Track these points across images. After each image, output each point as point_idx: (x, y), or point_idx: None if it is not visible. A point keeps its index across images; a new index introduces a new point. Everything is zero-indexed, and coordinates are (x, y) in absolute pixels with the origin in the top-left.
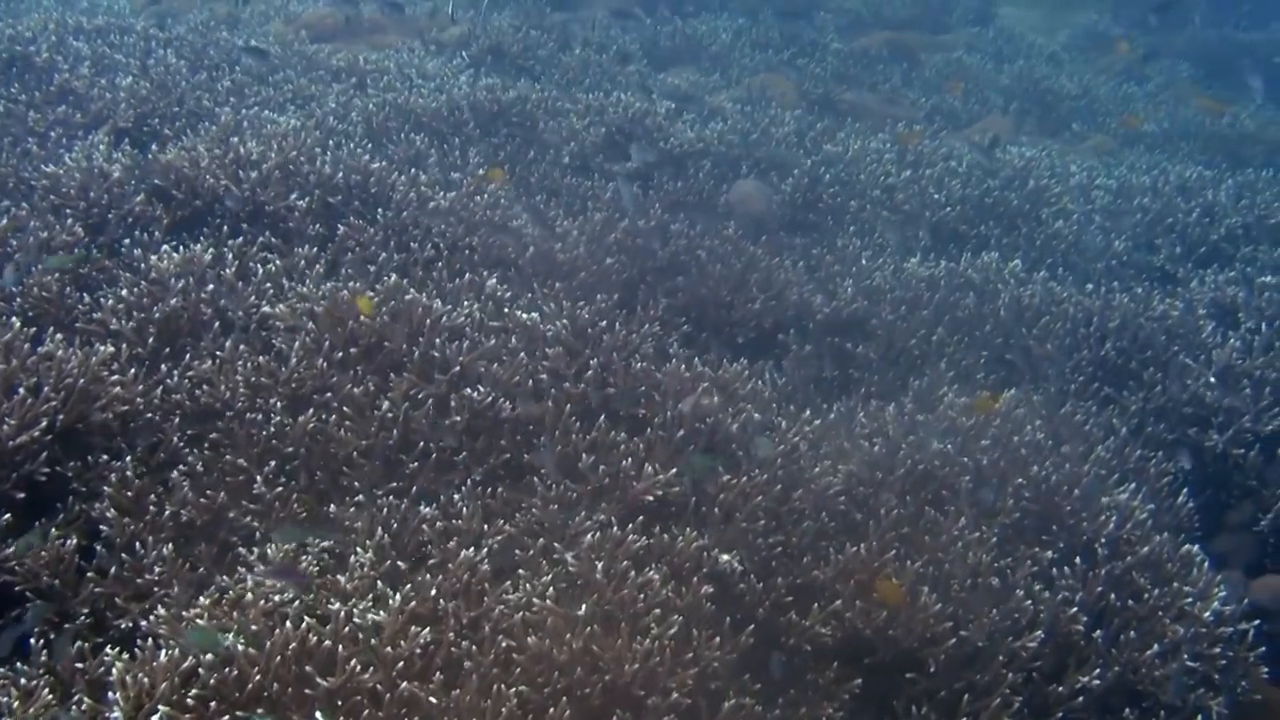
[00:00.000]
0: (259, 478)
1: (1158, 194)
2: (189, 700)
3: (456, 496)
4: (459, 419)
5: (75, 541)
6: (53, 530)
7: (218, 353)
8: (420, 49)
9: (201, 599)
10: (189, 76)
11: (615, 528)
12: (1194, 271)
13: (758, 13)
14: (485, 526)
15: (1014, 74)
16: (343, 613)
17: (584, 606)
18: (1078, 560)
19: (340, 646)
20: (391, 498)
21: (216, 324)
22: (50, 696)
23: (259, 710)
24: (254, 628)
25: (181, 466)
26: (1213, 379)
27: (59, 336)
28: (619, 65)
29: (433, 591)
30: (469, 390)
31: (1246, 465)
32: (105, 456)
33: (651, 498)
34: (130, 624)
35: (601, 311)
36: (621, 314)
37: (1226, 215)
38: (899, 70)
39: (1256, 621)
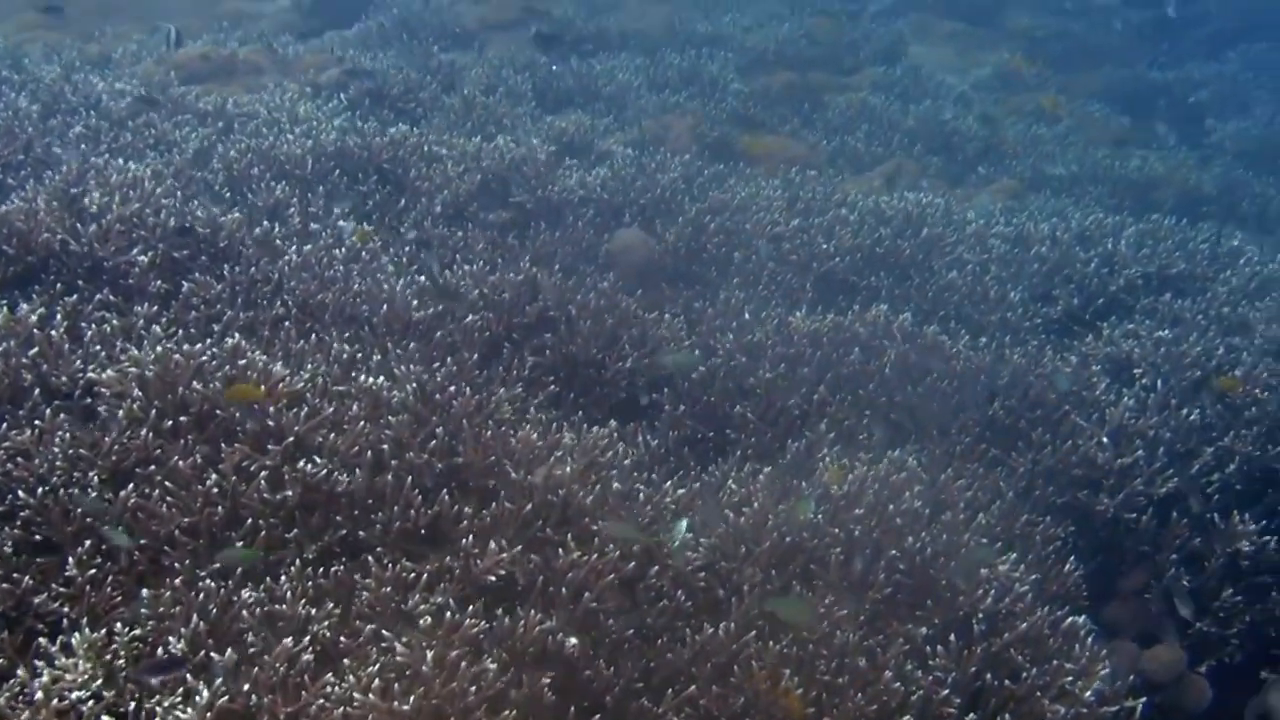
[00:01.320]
0: (71, 559)
1: (1056, 243)
2: None
3: (284, 578)
4: (292, 493)
5: None
6: None
7: (36, 421)
8: (296, 91)
9: None
10: (39, 122)
11: (453, 611)
12: (1092, 324)
13: (656, 51)
14: (313, 611)
15: (920, 115)
16: (144, 711)
17: (410, 700)
18: (953, 638)
19: None
20: (211, 580)
21: (37, 391)
22: None
23: None
24: None
25: None
26: (1105, 439)
27: None
28: (507, 107)
29: (246, 685)
30: (304, 462)
31: (1139, 529)
32: None
33: (494, 577)
34: None
35: (454, 374)
36: (482, 375)
37: (1127, 265)
38: (801, 111)
39: (1144, 698)
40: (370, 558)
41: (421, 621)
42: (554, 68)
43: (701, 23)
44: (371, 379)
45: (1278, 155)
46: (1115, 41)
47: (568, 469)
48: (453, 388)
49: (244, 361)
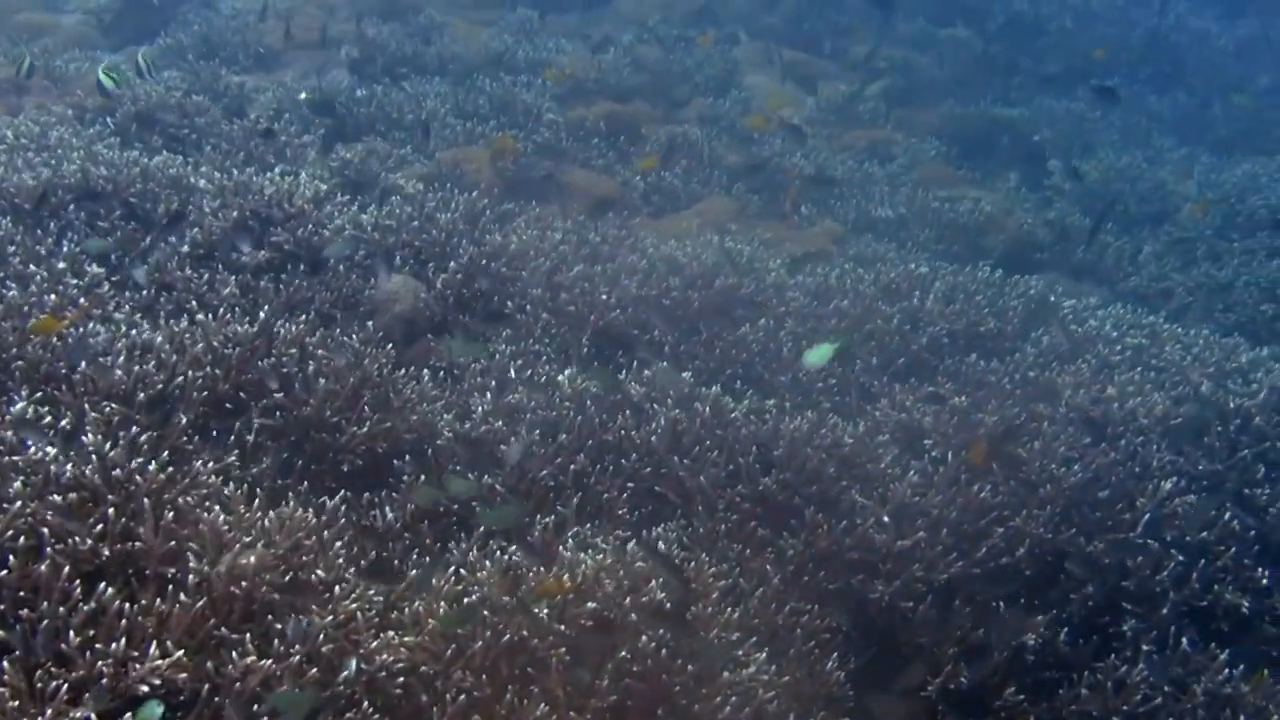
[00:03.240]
0: None
1: (859, 296)
2: None
3: None
4: None
5: None
6: None
7: None
8: (59, 115)
9: None
10: None
11: None
12: (888, 386)
13: (469, 77)
14: None
15: (744, 150)
16: None
17: None
18: None
19: None
20: None
21: None
22: None
23: None
24: None
25: None
26: (886, 518)
27: None
28: (292, 135)
29: None
30: None
31: (915, 620)
32: None
33: (150, 686)
34: None
35: (148, 441)
36: (193, 442)
37: (932, 322)
38: (617, 144)
39: None
40: (6, 663)
41: None
42: (358, 93)
43: (525, 47)
44: (40, 449)
45: (1118, 199)
46: (962, 75)
47: (252, 559)
48: (138, 460)
49: None
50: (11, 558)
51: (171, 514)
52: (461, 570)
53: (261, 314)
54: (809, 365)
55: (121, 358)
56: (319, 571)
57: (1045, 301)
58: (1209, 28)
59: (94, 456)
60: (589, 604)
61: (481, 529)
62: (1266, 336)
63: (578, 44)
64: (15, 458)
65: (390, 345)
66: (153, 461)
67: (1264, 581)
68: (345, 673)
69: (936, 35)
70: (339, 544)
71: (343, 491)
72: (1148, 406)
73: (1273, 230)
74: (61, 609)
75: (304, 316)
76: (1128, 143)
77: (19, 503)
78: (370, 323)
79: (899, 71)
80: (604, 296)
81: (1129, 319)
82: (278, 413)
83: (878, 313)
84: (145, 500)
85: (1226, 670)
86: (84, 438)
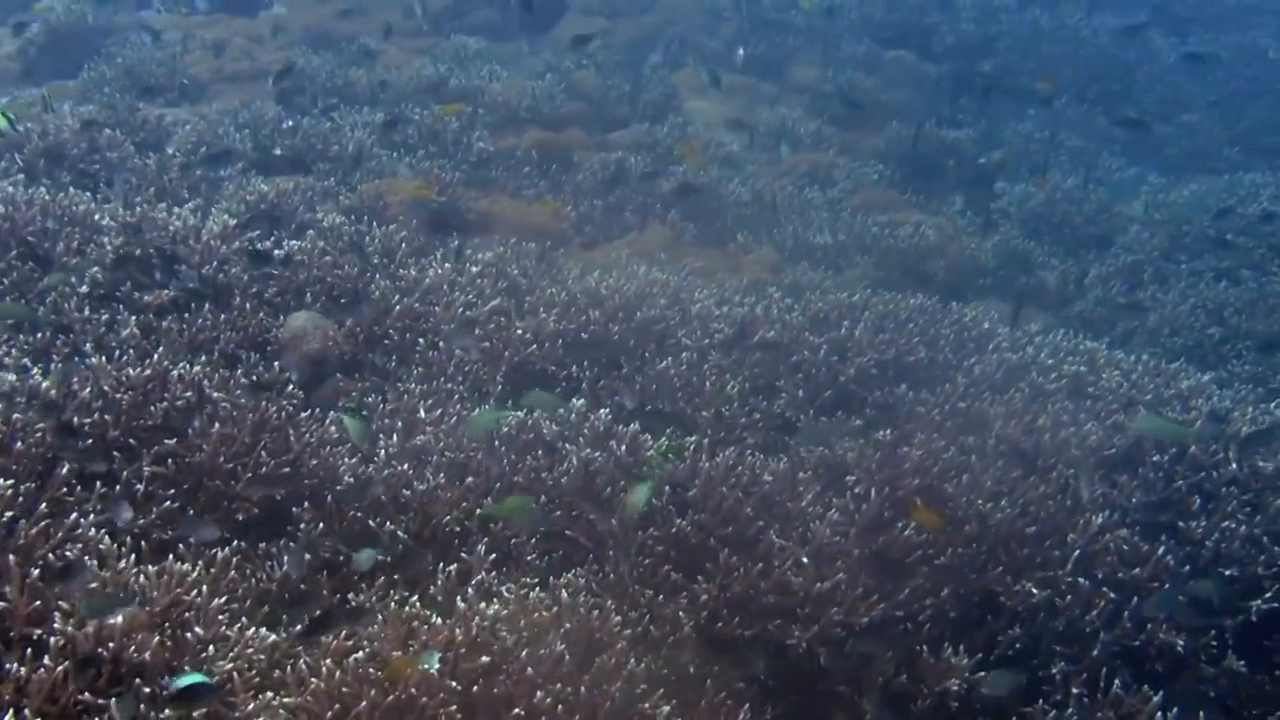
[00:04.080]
0: None
1: (786, 327)
2: None
3: None
4: None
5: None
6: None
7: None
8: None
9: None
10: None
11: None
12: (814, 420)
13: (399, 106)
14: None
15: (679, 177)
16: None
17: None
18: None
19: None
20: None
21: None
22: None
23: None
24: None
25: None
26: (805, 559)
27: None
28: (212, 170)
29: None
30: None
31: (835, 667)
32: None
33: None
34: None
35: (10, 498)
36: (73, 493)
37: (861, 352)
38: (549, 173)
39: None
40: None
41: None
42: (285, 124)
43: (458, 76)
44: None
45: (1064, 224)
46: (908, 97)
47: (120, 618)
48: (11, 513)
49: None
50: None
51: (39, 571)
52: (354, 624)
53: (155, 355)
54: (632, 509)
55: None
56: (198, 629)
57: (980, 329)
58: (1159, 46)
59: None
60: (484, 658)
61: (381, 579)
62: (1213, 360)
63: (514, 70)
64: None
65: (297, 386)
66: (24, 517)
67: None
68: None
69: (882, 57)
70: (221, 600)
71: (235, 541)
72: (1081, 436)
73: (1219, 250)
74: None
75: (205, 357)
76: (1076, 163)
77: None
78: (277, 363)
79: (844, 94)
80: (519, 332)
81: (1066, 346)
82: (170, 460)
83: (805, 343)
84: (11, 557)
85: (1160, 713)
86: None
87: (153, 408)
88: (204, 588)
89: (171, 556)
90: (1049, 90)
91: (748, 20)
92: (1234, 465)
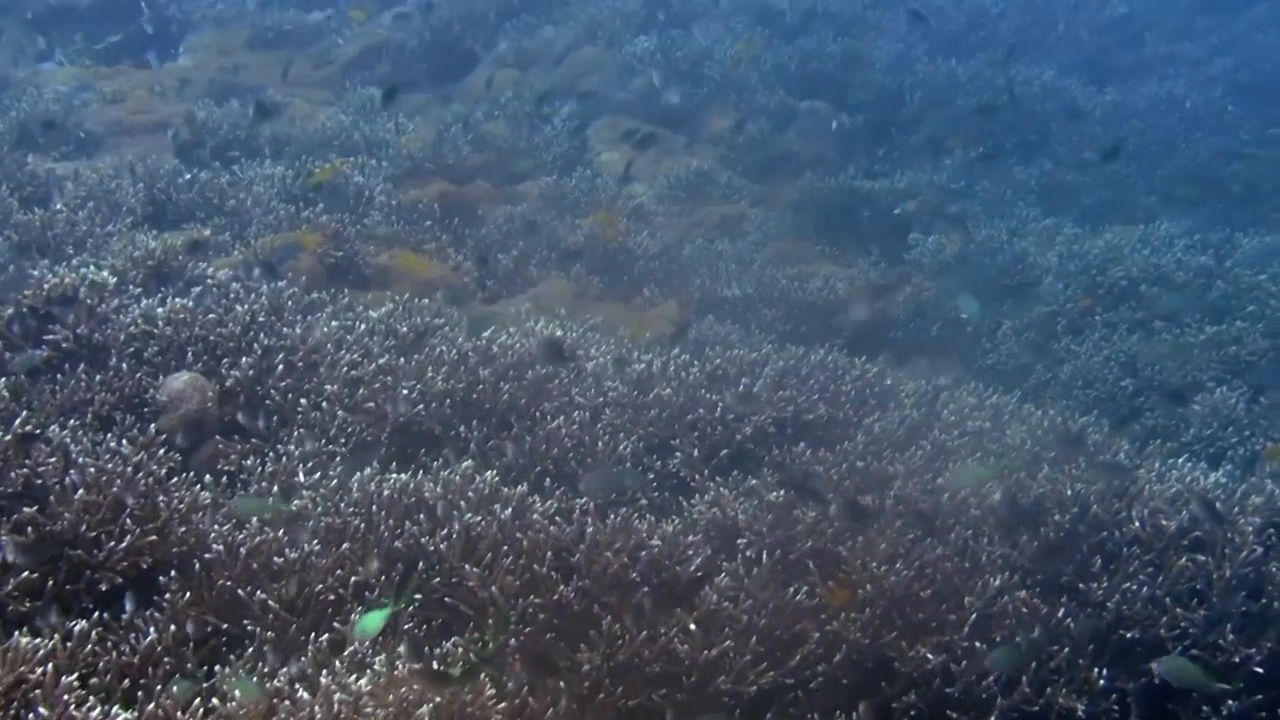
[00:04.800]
0: None
1: (683, 384)
2: None
3: None
4: None
5: None
6: None
7: None
8: None
9: None
10: None
11: None
12: (709, 480)
13: (301, 159)
14: None
15: (586, 230)
16: None
17: None
18: None
19: None
20: None
21: None
22: None
23: None
24: None
25: None
26: (692, 626)
27: None
28: (93, 224)
29: None
30: None
31: None
32: None
33: None
34: None
35: None
36: None
37: (759, 410)
38: (451, 226)
39: None
40: None
41: None
42: (183, 177)
43: (363, 128)
44: None
45: (977, 274)
46: (823, 148)
47: None
48: None
49: None
50: None
51: None
52: (212, 699)
53: (16, 420)
54: (361, 635)
55: None
56: (42, 710)
57: (883, 384)
58: (1075, 96)
59: None
60: None
61: (251, 649)
62: (1127, 413)
63: (423, 121)
64: None
65: (172, 449)
66: None
67: (1100, 682)
68: None
69: (796, 108)
70: (70, 678)
71: (97, 614)
72: (981, 495)
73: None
74: None
75: (76, 420)
76: (992, 214)
77: None
78: (154, 425)
79: (759, 144)
80: (405, 391)
81: (971, 401)
82: (29, 528)
83: (702, 401)
84: None
85: None
86: None
87: (13, 474)
88: (50, 665)
89: (18, 633)
90: (958, 144)
91: (661, 71)
92: (1136, 524)
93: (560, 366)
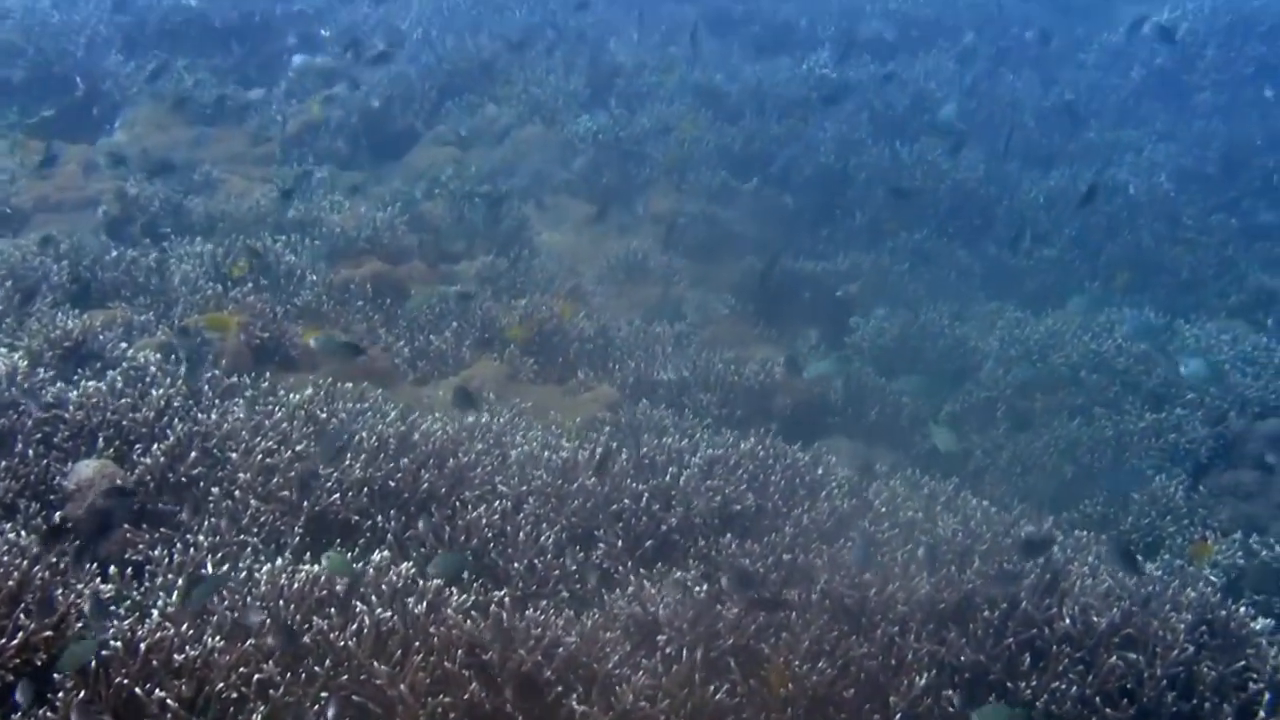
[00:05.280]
0: None
1: (606, 473)
2: None
3: None
4: None
5: None
6: None
7: None
8: None
9: None
10: None
11: None
12: (632, 572)
13: (232, 237)
14: None
15: (523, 312)
16: None
17: None
18: None
19: None
20: None
21: None
22: None
23: None
24: None
25: None
26: None
27: None
28: (17, 306)
29: None
30: None
31: None
32: None
33: None
34: None
35: None
36: None
37: (686, 501)
38: (383, 307)
39: None
40: None
41: None
42: (110, 254)
43: (298, 205)
44: None
45: (916, 357)
46: (766, 229)
47: None
48: None
49: None
50: None
51: None
52: None
53: None
54: None
55: None
56: None
57: (814, 474)
58: (1019, 179)
59: None
60: None
61: None
62: (1065, 500)
63: (360, 199)
64: None
65: (79, 538)
66: None
67: None
68: None
69: (739, 189)
70: None
71: None
72: (909, 591)
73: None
74: None
75: None
76: (935, 296)
77: None
78: (59, 514)
79: (702, 224)
80: (322, 479)
81: (903, 490)
82: None
83: (627, 491)
84: None
85: None
86: None
87: None
88: None
89: None
90: (895, 229)
91: (602, 151)
92: (1067, 621)
93: (473, 414)
